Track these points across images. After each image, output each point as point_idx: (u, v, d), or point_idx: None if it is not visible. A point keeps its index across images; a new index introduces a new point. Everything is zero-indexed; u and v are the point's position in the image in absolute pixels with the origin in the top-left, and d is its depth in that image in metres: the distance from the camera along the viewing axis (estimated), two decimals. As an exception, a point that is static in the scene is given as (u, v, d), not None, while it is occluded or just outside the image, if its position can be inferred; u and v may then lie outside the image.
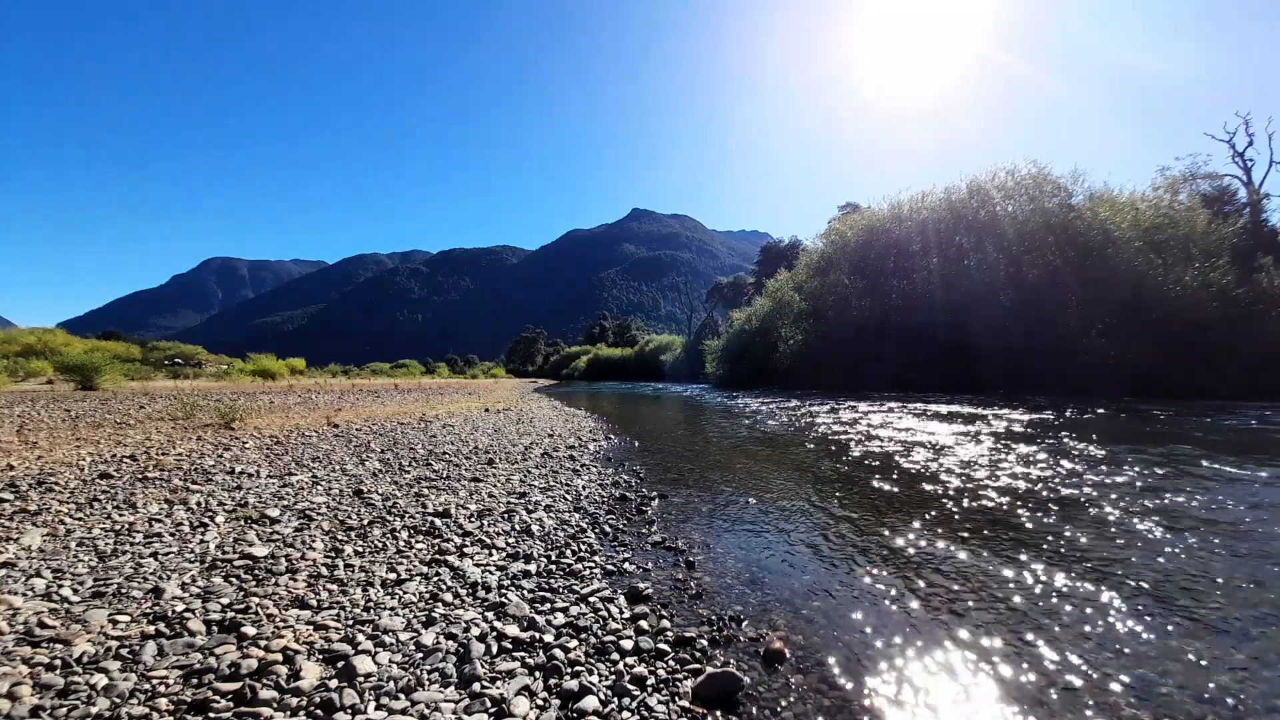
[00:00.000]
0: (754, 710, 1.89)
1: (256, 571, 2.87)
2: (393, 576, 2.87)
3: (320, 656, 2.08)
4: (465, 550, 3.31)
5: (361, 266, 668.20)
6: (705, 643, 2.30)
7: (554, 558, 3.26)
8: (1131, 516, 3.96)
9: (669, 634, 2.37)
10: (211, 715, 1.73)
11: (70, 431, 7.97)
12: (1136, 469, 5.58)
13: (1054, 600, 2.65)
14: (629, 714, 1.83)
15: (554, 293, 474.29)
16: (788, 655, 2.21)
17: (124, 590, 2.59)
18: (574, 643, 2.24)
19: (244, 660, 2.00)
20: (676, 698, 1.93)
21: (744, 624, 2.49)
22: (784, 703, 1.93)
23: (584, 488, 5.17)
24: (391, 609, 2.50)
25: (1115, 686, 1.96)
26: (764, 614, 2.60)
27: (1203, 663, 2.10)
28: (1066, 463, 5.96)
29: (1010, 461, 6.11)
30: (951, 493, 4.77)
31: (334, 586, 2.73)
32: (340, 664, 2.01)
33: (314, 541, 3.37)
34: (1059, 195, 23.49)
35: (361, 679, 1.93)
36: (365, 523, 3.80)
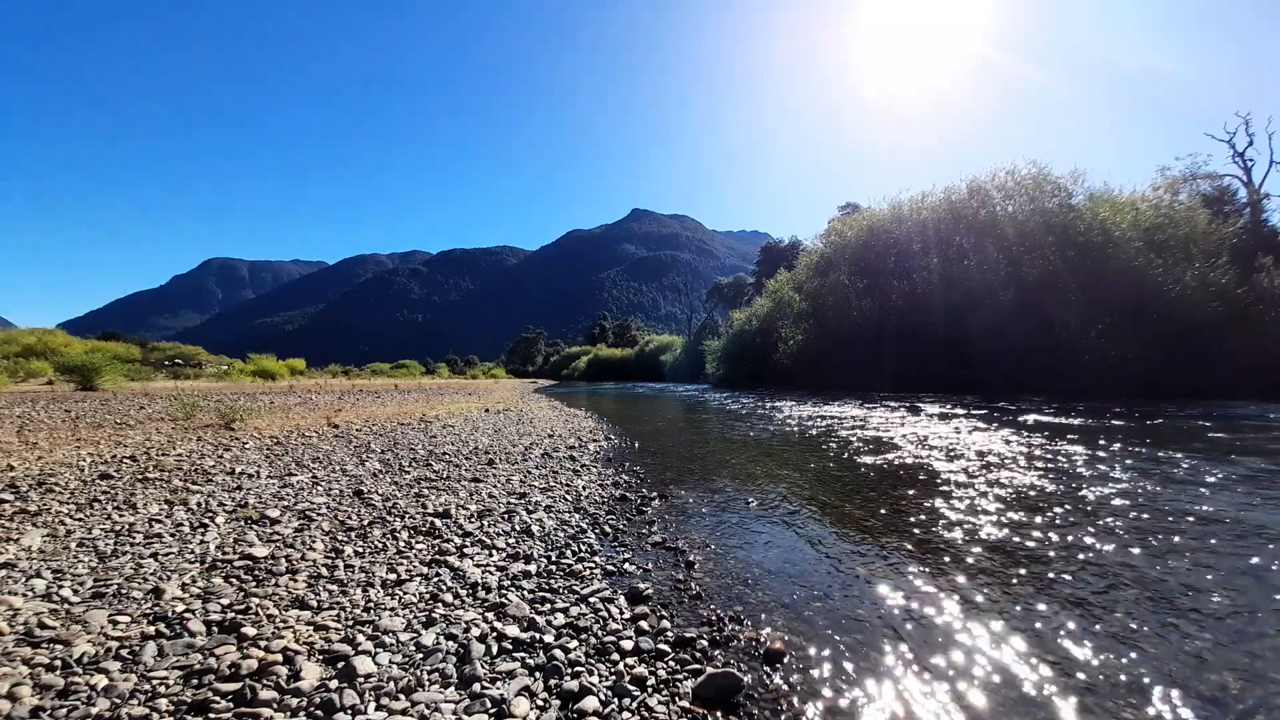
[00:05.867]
0: (754, 710, 1.89)
1: (257, 572, 2.87)
2: (393, 577, 2.87)
3: (320, 657, 2.08)
4: (465, 551, 3.31)
5: (361, 267, 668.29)
6: (705, 643, 2.30)
7: (554, 558, 3.26)
8: (1132, 516, 3.96)
9: (669, 634, 2.37)
10: (212, 716, 1.73)
11: (70, 432, 7.97)
12: (1136, 468, 5.58)
13: (1056, 601, 2.65)
14: (629, 714, 1.83)
15: (554, 293, 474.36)
16: (788, 656, 2.21)
17: (124, 591, 2.59)
18: (574, 643, 2.24)
19: (244, 661, 2.00)
20: (677, 698, 1.93)
21: (744, 624, 2.49)
22: (784, 703, 1.93)
23: (584, 488, 5.17)
24: (392, 609, 2.50)
25: (1116, 686, 1.96)
26: (764, 614, 2.60)
27: (1204, 663, 2.10)
28: (1068, 463, 5.96)
29: (1012, 462, 6.11)
30: (953, 493, 4.77)
31: (334, 587, 2.73)
32: (340, 664, 2.01)
33: (314, 542, 3.37)
34: (1059, 195, 23.50)
35: (362, 679, 1.93)
36: (365, 523, 3.80)
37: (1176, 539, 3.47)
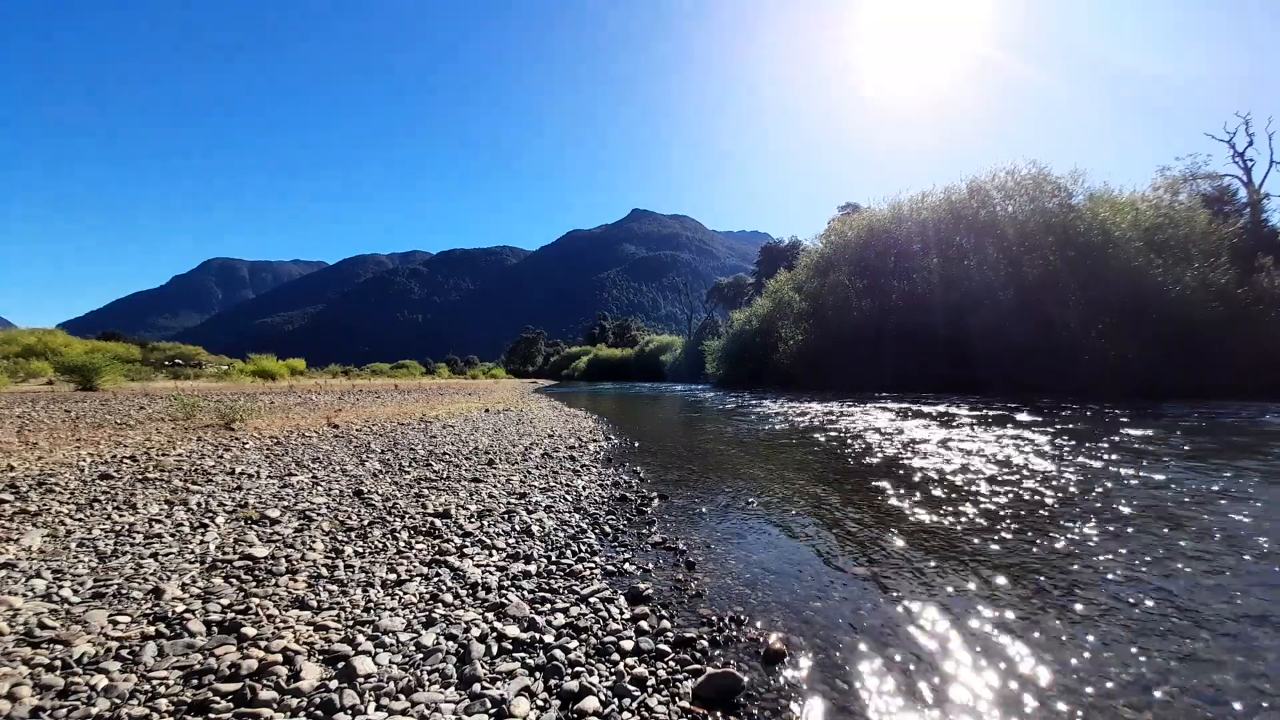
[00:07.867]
0: (754, 710, 1.89)
1: (257, 572, 2.87)
2: (393, 577, 2.87)
3: (320, 657, 2.08)
4: (465, 551, 3.31)
5: (361, 267, 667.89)
6: (705, 643, 2.30)
7: (554, 558, 3.26)
8: (1131, 515, 3.96)
9: (669, 634, 2.37)
10: (212, 716, 1.73)
11: (70, 432, 7.97)
12: (1135, 469, 5.58)
13: (1055, 601, 2.65)
14: (629, 714, 1.83)
15: (554, 293, 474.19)
16: (787, 656, 2.21)
17: (124, 591, 2.59)
18: (574, 643, 2.24)
19: (244, 661, 2.00)
20: (677, 698, 1.93)
21: (744, 624, 2.49)
22: (784, 703, 1.93)
23: (584, 488, 5.17)
24: (392, 609, 2.50)
25: (1115, 686, 1.96)
26: (764, 615, 2.60)
27: (1203, 663, 2.10)
28: (1067, 464, 5.96)
29: (1011, 462, 6.11)
30: (953, 494, 4.77)
31: (334, 587, 2.73)
32: (340, 664, 2.01)
33: (314, 542, 3.37)
34: (1059, 195, 23.48)
35: (362, 679, 1.93)
36: (365, 523, 3.80)
37: (1182, 541, 3.47)
